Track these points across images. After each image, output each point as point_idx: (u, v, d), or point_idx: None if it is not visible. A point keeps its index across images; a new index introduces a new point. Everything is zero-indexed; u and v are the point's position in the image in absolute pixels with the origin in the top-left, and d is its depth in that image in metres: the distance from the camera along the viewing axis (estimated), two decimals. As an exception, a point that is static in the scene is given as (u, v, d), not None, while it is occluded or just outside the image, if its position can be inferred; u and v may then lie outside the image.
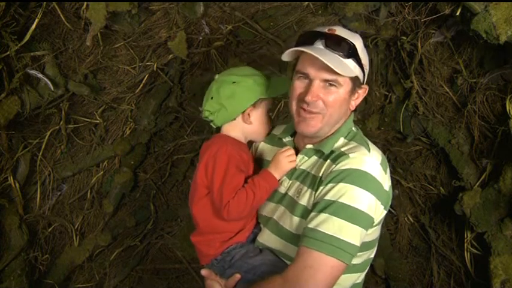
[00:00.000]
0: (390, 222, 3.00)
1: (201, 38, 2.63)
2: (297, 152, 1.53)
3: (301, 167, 1.50)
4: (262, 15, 2.68)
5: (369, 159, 1.34)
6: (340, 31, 1.40)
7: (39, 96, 2.13)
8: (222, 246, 1.55)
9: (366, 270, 1.54)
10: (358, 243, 1.30)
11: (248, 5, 2.59)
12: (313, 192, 1.39)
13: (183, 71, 2.83)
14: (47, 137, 2.36)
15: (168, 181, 3.27)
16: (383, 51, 2.72)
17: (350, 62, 1.38)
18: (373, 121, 2.89)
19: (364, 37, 1.49)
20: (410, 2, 2.31)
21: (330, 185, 1.32)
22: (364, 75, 1.45)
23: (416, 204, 2.85)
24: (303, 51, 1.38)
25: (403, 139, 2.82)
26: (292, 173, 1.51)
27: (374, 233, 1.46)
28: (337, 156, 1.38)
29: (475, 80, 2.25)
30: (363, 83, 1.47)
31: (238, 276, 1.49)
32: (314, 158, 1.49)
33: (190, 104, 3.03)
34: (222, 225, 1.53)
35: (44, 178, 2.48)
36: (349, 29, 1.48)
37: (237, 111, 1.58)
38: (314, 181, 1.41)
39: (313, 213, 1.33)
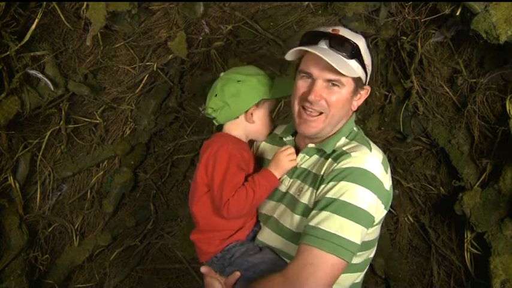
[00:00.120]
0: (390, 222, 2.99)
1: (201, 38, 2.63)
2: (297, 151, 1.54)
3: (302, 166, 1.51)
4: (262, 15, 2.68)
5: (371, 158, 1.35)
6: (344, 32, 1.41)
7: (39, 96, 2.13)
8: (222, 244, 1.55)
9: (365, 270, 1.54)
10: (359, 242, 1.30)
11: (248, 5, 2.59)
12: (315, 191, 1.40)
13: (183, 71, 2.83)
14: (47, 137, 2.36)
15: (168, 181, 3.27)
16: (383, 51, 2.72)
17: (353, 63, 1.39)
18: (373, 121, 2.89)
19: (364, 37, 1.49)
20: (410, 2, 2.31)
21: (331, 183, 1.33)
22: (366, 76, 1.46)
23: (416, 204, 2.85)
24: (306, 51, 1.39)
25: (403, 139, 2.82)
26: (293, 172, 1.52)
27: (374, 232, 1.46)
28: (339, 155, 1.39)
29: (475, 80, 2.25)
30: (365, 84, 1.48)
31: (238, 274, 1.50)
32: (315, 157, 1.50)
33: (190, 104, 3.03)
34: (221, 223, 1.54)
35: (44, 178, 2.48)
36: (352, 30, 1.49)
37: (241, 110, 1.59)
38: (315, 180, 1.42)
39: (314, 211, 1.33)
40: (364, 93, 1.49)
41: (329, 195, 1.31)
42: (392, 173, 1.45)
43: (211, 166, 1.49)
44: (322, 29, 1.44)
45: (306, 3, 2.59)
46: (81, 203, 2.74)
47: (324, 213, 1.29)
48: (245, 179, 1.50)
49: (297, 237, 1.39)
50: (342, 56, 1.37)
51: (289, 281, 1.27)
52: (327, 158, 1.43)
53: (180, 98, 2.92)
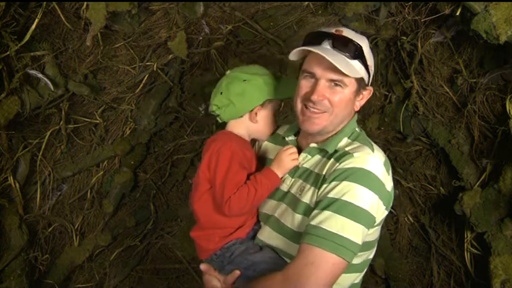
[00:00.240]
0: (390, 222, 2.99)
1: (201, 38, 2.64)
2: (299, 151, 1.55)
3: (304, 166, 1.52)
4: (262, 15, 2.68)
5: (373, 159, 1.36)
6: (347, 32, 1.42)
7: (39, 96, 2.13)
8: (222, 241, 1.55)
9: (365, 271, 1.55)
10: (360, 242, 1.31)
11: (248, 5, 2.59)
12: (316, 190, 1.40)
13: (183, 71, 2.83)
14: (47, 137, 2.36)
15: (168, 181, 3.27)
16: (383, 51, 2.72)
17: (356, 63, 1.40)
18: (373, 121, 2.89)
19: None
20: (410, 2, 2.31)
21: (333, 183, 1.34)
22: (369, 76, 1.47)
23: (416, 204, 2.85)
24: (310, 51, 1.39)
25: (403, 139, 2.82)
26: (294, 171, 1.53)
27: (374, 233, 1.47)
28: (341, 155, 1.40)
29: (475, 80, 2.25)
30: (368, 85, 1.49)
31: (238, 272, 1.50)
32: (317, 157, 1.50)
33: (190, 104, 3.03)
34: (222, 220, 1.54)
35: (44, 178, 2.48)
36: (355, 31, 1.50)
37: (245, 109, 1.60)
38: (317, 179, 1.42)
39: (316, 211, 1.33)
40: (366, 94, 1.50)
41: (331, 195, 1.32)
42: (392, 173, 1.46)
43: (213, 163, 1.50)
44: (325, 30, 1.45)
45: (306, 3, 2.59)
46: (81, 203, 2.74)
47: (326, 213, 1.30)
48: (247, 177, 1.51)
49: (297, 236, 1.40)
50: (345, 56, 1.38)
51: (290, 280, 1.27)
52: (329, 158, 1.44)
53: (180, 98, 2.92)
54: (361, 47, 1.40)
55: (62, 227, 2.65)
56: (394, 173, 2.84)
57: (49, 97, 2.18)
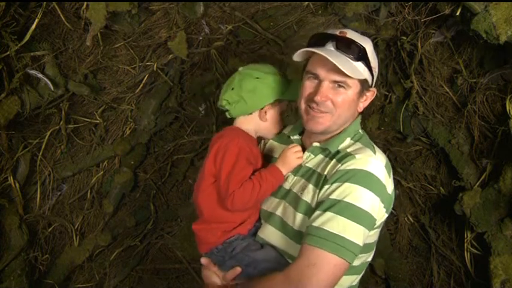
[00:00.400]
0: (390, 222, 2.99)
1: (201, 38, 2.64)
2: (303, 150, 1.56)
3: (306, 165, 1.53)
4: (262, 15, 2.68)
5: (375, 161, 1.37)
6: (351, 34, 1.44)
7: (39, 96, 2.13)
8: (224, 235, 1.55)
9: (362, 274, 1.56)
10: (361, 243, 1.32)
11: (248, 5, 2.59)
12: (317, 190, 1.41)
13: (183, 71, 2.83)
14: (47, 137, 2.36)
15: (168, 181, 3.27)
16: (383, 51, 2.72)
17: (359, 65, 1.41)
18: (373, 121, 2.89)
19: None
20: (410, 2, 2.31)
21: (335, 185, 1.34)
22: (373, 78, 1.49)
23: (416, 204, 2.85)
24: (314, 52, 1.41)
25: (403, 139, 2.82)
26: (297, 170, 1.54)
27: (374, 235, 1.48)
28: (343, 156, 1.41)
29: (475, 80, 2.24)
30: (371, 86, 1.50)
31: (238, 269, 1.50)
32: (320, 156, 1.51)
33: (190, 104, 3.03)
34: (225, 215, 1.54)
35: (44, 178, 2.48)
36: (359, 32, 1.51)
37: (256, 106, 1.61)
38: (319, 179, 1.43)
39: (317, 212, 1.34)
40: (370, 95, 1.51)
41: (333, 196, 1.33)
42: (392, 173, 1.47)
43: (220, 157, 1.51)
44: (330, 31, 1.47)
45: (306, 3, 2.59)
46: (81, 203, 2.74)
47: (328, 214, 1.31)
48: (252, 173, 1.52)
49: (298, 235, 1.41)
50: (349, 58, 1.39)
51: (291, 281, 1.28)
52: (331, 159, 1.45)
53: (180, 98, 2.92)
54: (364, 48, 1.42)
55: (62, 227, 2.65)
56: (394, 173, 2.83)
57: (49, 97, 2.18)
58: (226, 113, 1.66)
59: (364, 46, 1.42)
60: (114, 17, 2.24)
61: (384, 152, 1.50)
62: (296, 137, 1.63)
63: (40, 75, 2.09)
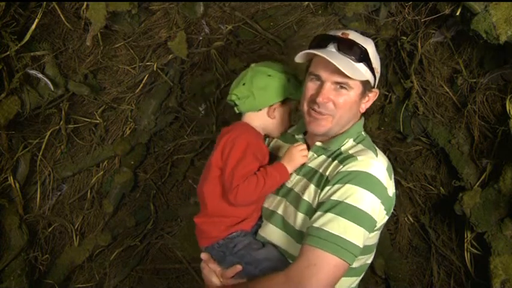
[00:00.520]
0: (390, 222, 2.99)
1: (201, 38, 2.64)
2: (308, 149, 1.57)
3: (309, 165, 1.53)
4: (262, 15, 2.68)
5: (376, 163, 1.38)
6: (353, 35, 1.44)
7: (39, 96, 2.13)
8: (227, 230, 1.56)
9: (362, 276, 1.56)
10: (361, 245, 1.32)
11: (248, 5, 2.59)
12: (319, 191, 1.42)
13: (183, 71, 2.83)
14: (47, 137, 2.36)
15: (168, 181, 3.27)
16: (383, 51, 2.72)
17: (361, 66, 1.42)
18: (373, 121, 2.89)
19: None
20: (410, 2, 2.31)
21: (336, 186, 1.35)
22: (375, 79, 1.49)
23: (416, 204, 2.85)
24: (316, 54, 1.41)
25: (403, 139, 2.82)
26: (300, 169, 1.54)
27: (374, 237, 1.48)
28: (345, 157, 1.42)
29: (475, 80, 2.24)
30: (373, 87, 1.50)
31: (239, 267, 1.50)
32: (323, 157, 1.52)
33: (190, 104, 3.03)
34: (229, 209, 1.55)
35: (44, 178, 2.48)
36: (362, 34, 1.51)
37: (265, 103, 1.62)
38: (320, 180, 1.44)
39: (318, 213, 1.34)
40: (372, 96, 1.52)
41: (334, 197, 1.33)
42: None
43: (227, 151, 1.51)
44: (332, 33, 1.47)
45: (306, 3, 2.59)
46: (81, 203, 2.74)
47: (329, 215, 1.31)
48: (257, 169, 1.52)
49: (299, 235, 1.41)
50: (350, 59, 1.40)
51: (291, 281, 1.28)
52: (333, 159, 1.46)
53: (180, 98, 2.92)
54: (366, 50, 1.42)
55: (62, 227, 2.65)
56: (394, 173, 2.82)
57: (49, 97, 2.18)
58: (235, 108, 1.67)
59: (366, 47, 1.43)
60: (114, 17, 2.24)
61: (384, 152, 1.51)
62: (300, 136, 1.64)
63: (40, 75, 2.09)
